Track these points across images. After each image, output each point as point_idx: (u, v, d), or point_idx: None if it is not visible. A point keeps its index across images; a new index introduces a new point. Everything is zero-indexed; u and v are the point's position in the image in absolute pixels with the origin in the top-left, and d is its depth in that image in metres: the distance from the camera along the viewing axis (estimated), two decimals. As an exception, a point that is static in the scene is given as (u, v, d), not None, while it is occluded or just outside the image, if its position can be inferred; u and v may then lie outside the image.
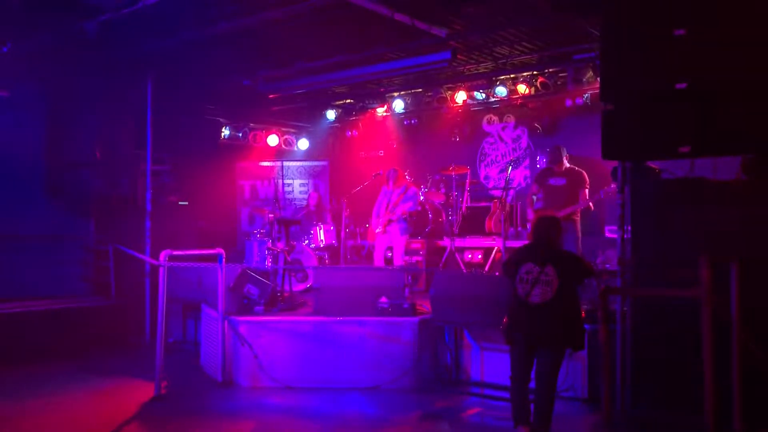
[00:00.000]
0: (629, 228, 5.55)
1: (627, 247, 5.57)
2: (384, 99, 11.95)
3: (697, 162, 5.56)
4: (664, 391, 5.37)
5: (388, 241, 9.06)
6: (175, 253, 6.46)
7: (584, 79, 9.65)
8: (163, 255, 6.33)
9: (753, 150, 4.92)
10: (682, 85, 4.69)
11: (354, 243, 10.04)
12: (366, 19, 7.65)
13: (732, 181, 5.41)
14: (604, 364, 5.05)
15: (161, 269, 6.33)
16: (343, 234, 9.55)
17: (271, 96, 10.84)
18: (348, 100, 12.32)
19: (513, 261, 5.07)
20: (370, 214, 9.31)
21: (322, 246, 9.79)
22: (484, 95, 10.85)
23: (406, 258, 9.70)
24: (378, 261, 9.08)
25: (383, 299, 6.78)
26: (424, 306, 7.08)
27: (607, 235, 8.85)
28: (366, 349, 6.66)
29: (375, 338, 6.66)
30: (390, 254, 9.14)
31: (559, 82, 9.97)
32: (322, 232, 9.80)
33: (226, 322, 6.86)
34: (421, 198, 10.21)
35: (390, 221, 8.94)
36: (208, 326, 7.52)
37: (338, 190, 11.83)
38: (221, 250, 6.87)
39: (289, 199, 12.21)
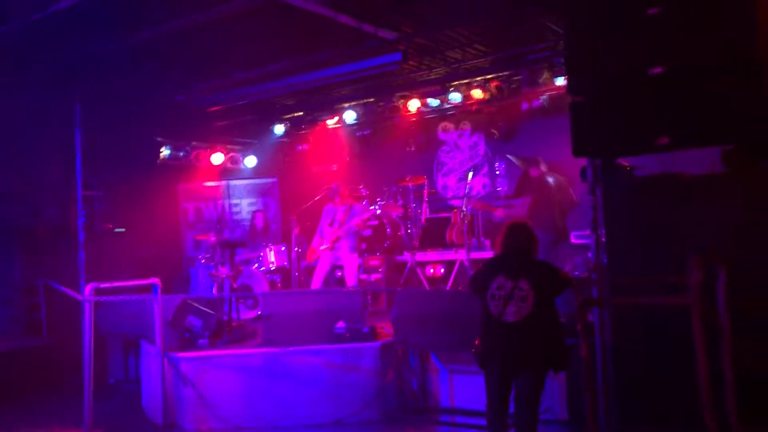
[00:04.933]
0: (603, 231, 5.12)
1: (602, 252, 5.13)
2: (334, 110, 11.44)
3: (658, 157, 5.18)
4: (651, 405, 4.99)
5: (335, 260, 8.45)
6: (103, 285, 5.82)
7: (540, 81, 9.27)
8: (89, 288, 5.69)
9: (738, 139, 4.49)
10: (657, 70, 4.25)
11: (308, 264, 9.42)
12: (307, 22, 7.13)
13: (711, 174, 5.00)
14: (586, 380, 4.57)
15: (86, 305, 5.65)
16: (293, 254, 8.92)
17: (210, 110, 10.17)
18: (297, 113, 11.76)
19: (482, 275, 4.55)
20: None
21: (273, 269, 9.15)
22: (438, 102, 10.44)
23: (364, 276, 9.12)
24: (317, 282, 8.44)
25: (340, 324, 6.25)
26: (386, 328, 6.62)
27: (573, 241, 8.44)
28: (323, 380, 6.14)
29: (333, 368, 6.11)
30: (340, 274, 8.53)
31: (513, 86, 9.63)
32: (272, 253, 9.17)
33: (165, 359, 6.23)
34: (378, 212, 9.66)
35: (339, 238, 8.35)
36: (147, 364, 6.86)
37: (290, 207, 11.21)
38: (156, 280, 6.21)
39: (236, 220, 11.52)
